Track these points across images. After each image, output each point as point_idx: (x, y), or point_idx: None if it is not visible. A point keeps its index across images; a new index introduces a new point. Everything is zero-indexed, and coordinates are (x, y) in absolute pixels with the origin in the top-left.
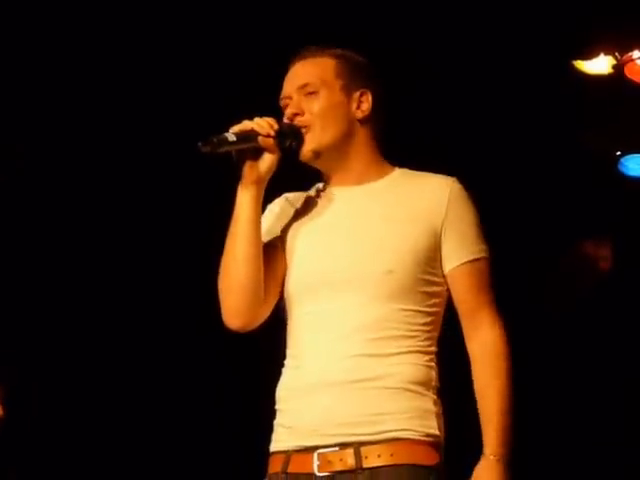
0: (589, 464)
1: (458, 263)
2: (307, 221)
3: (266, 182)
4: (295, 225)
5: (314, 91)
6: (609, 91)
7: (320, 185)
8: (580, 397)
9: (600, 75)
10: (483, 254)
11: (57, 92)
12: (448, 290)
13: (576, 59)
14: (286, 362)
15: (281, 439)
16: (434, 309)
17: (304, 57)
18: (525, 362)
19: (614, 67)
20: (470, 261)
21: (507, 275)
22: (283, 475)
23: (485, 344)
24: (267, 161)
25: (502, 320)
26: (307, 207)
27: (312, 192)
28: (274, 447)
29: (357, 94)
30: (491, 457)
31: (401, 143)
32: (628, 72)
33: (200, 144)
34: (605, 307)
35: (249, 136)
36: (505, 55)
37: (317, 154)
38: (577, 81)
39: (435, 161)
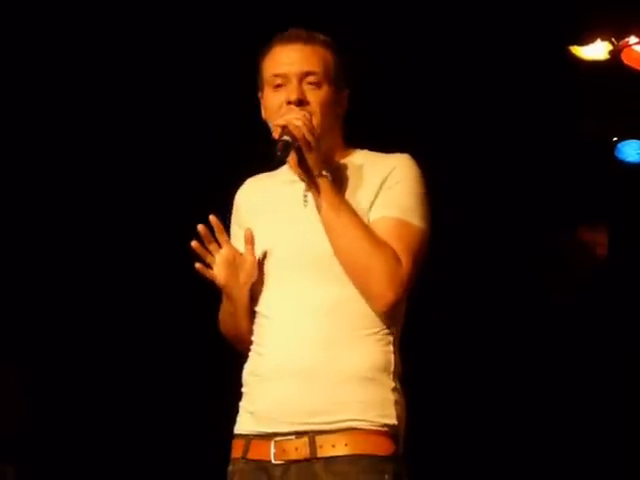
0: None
1: (383, 215)
2: (265, 209)
3: None
4: (255, 216)
5: (318, 82)
6: (606, 77)
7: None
8: (580, 383)
9: (597, 61)
10: (415, 222)
11: (57, 92)
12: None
13: (573, 45)
14: (252, 347)
15: (243, 422)
16: None
17: (301, 41)
18: (526, 350)
19: (611, 53)
20: (398, 219)
21: (506, 261)
22: (243, 460)
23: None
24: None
25: (408, 286)
26: (265, 194)
27: (274, 174)
28: (236, 429)
29: (342, 92)
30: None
31: (402, 133)
32: (625, 58)
33: (275, 151)
34: (603, 291)
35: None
36: (501, 41)
37: None
38: (574, 67)
39: (436, 151)
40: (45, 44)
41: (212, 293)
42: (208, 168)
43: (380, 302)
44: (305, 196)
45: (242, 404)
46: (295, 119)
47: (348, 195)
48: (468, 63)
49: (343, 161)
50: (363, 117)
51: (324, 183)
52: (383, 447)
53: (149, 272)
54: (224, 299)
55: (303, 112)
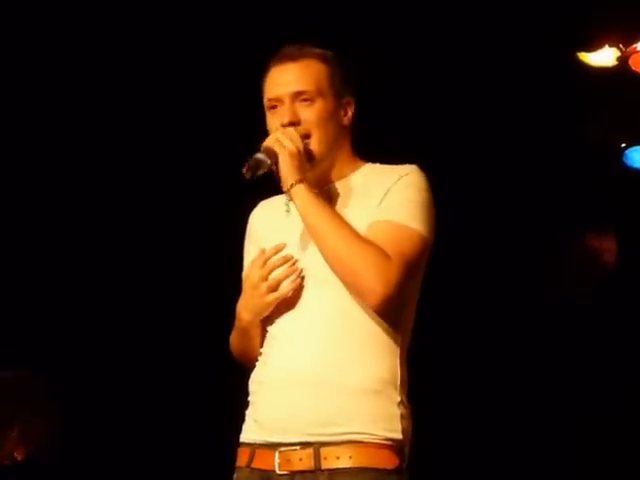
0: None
1: (378, 219)
2: (274, 230)
3: None
4: (265, 238)
5: (310, 99)
6: (614, 83)
7: None
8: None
9: (605, 67)
10: (413, 226)
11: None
12: (416, 288)
13: (581, 51)
14: (259, 357)
15: (249, 431)
16: (401, 305)
17: (293, 59)
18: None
19: (619, 59)
20: (391, 221)
21: (511, 269)
22: (248, 469)
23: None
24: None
25: (399, 281)
26: (275, 215)
27: (285, 196)
28: (242, 437)
29: (344, 101)
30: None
31: (407, 139)
32: (633, 64)
33: (243, 171)
34: (608, 300)
35: (274, 157)
36: (510, 48)
37: (315, 163)
38: (581, 73)
39: (442, 157)
40: (47, 46)
41: (219, 303)
42: (215, 174)
43: (371, 297)
44: (287, 205)
45: (248, 412)
46: (276, 134)
47: (354, 208)
48: (475, 68)
49: (351, 175)
50: (368, 125)
51: (300, 190)
52: (387, 461)
53: (155, 280)
54: (238, 320)
55: (288, 129)
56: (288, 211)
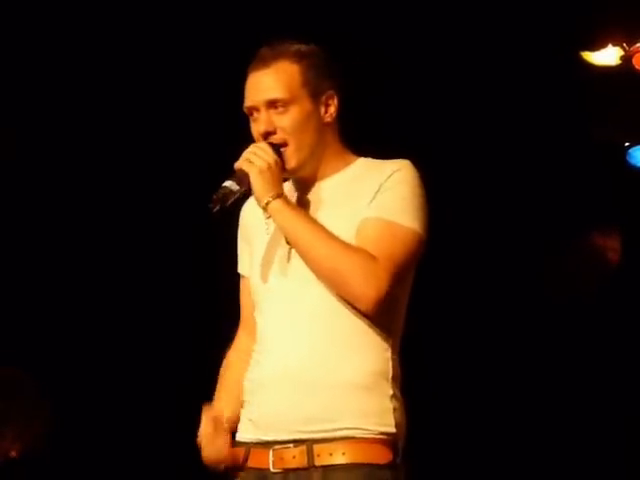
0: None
1: (368, 217)
2: (261, 228)
3: None
4: (255, 234)
5: (284, 106)
6: (617, 82)
7: None
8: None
9: (608, 66)
10: (406, 224)
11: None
12: (407, 283)
13: (584, 50)
14: (252, 354)
15: (244, 430)
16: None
17: (266, 64)
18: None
19: (622, 58)
20: (381, 219)
21: (513, 268)
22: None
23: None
24: None
25: (389, 282)
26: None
27: None
28: (238, 437)
29: (324, 97)
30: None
31: (412, 139)
32: (636, 63)
33: (211, 206)
34: (612, 299)
35: (246, 178)
36: (512, 47)
37: (295, 171)
38: (585, 72)
39: (445, 158)
40: (46, 46)
41: (217, 302)
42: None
43: (363, 302)
44: (267, 224)
45: (243, 412)
46: (246, 153)
47: (345, 206)
48: (479, 68)
49: (343, 170)
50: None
51: (277, 207)
52: (381, 456)
53: (151, 280)
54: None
55: (259, 144)
56: (268, 231)
